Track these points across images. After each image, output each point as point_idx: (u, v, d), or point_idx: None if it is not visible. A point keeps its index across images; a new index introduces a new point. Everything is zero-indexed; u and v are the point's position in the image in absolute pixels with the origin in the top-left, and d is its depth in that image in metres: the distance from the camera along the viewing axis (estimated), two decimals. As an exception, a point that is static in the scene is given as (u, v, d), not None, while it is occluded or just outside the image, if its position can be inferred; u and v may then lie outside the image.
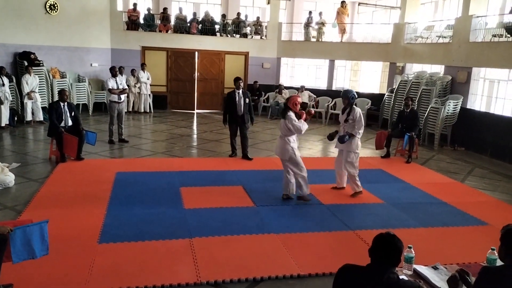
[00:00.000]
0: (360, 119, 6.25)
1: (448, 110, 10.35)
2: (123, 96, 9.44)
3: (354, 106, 6.37)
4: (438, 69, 12.25)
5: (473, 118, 10.23)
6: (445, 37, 11.63)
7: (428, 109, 10.66)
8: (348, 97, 6.31)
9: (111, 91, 9.29)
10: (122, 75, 9.68)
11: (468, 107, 10.56)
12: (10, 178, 6.27)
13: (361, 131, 6.33)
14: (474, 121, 10.16)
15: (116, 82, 9.36)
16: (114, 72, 9.52)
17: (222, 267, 4.13)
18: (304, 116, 5.95)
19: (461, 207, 6.11)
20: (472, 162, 9.15)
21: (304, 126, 5.88)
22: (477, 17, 10.42)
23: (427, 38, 12.40)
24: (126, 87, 9.83)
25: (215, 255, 4.36)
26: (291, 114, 5.86)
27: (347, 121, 6.33)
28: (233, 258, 4.32)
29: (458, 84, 10.85)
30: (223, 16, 15.51)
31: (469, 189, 7.19)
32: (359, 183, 6.38)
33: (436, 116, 10.42)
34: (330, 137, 6.55)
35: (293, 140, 6.02)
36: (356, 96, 6.48)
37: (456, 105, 10.46)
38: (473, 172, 8.34)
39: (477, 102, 10.67)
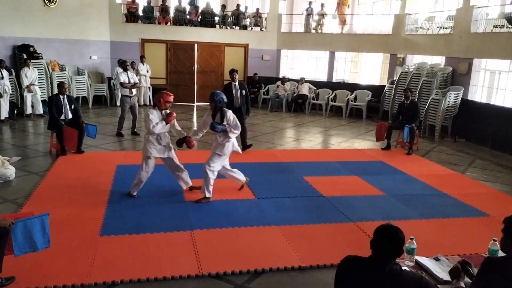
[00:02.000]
0: (236, 123, 5.58)
1: (449, 101, 10.32)
2: (134, 90, 9.52)
3: (224, 109, 5.62)
4: (439, 60, 12.20)
5: (474, 109, 10.20)
6: (446, 28, 11.57)
7: (429, 101, 10.63)
8: (214, 100, 5.58)
9: (123, 85, 9.32)
10: (133, 69, 9.71)
11: (469, 98, 10.53)
12: (10, 172, 6.27)
13: (237, 131, 5.65)
14: (475, 112, 10.14)
15: (128, 76, 9.40)
16: (125, 66, 9.52)
17: (223, 259, 4.13)
18: (170, 118, 5.59)
19: (462, 199, 6.11)
20: (473, 154, 9.14)
21: (157, 128, 5.43)
22: (478, 7, 10.35)
23: (428, 29, 12.34)
24: (137, 81, 9.89)
25: (216, 247, 4.37)
26: (152, 111, 5.53)
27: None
28: (234, 250, 4.33)
29: (459, 75, 10.82)
30: (223, 6, 15.42)
31: (470, 181, 7.19)
32: (211, 188, 5.61)
33: (437, 108, 10.40)
34: (179, 143, 5.79)
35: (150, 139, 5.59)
36: (225, 100, 5.67)
37: (457, 96, 10.43)
38: (474, 164, 8.34)
39: (478, 93, 10.64)
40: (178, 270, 3.88)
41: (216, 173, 5.65)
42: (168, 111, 5.65)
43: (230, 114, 5.61)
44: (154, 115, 5.52)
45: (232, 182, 6.22)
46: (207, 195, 5.60)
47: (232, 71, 8.29)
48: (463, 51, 10.63)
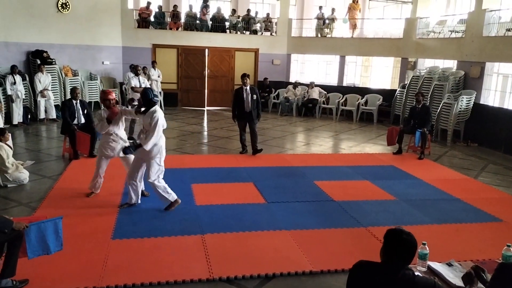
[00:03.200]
0: (155, 126, 5.05)
1: (461, 105, 10.23)
2: None
3: (156, 108, 5.20)
4: (450, 64, 12.11)
5: (486, 113, 10.10)
6: (457, 32, 11.49)
7: (440, 105, 10.55)
8: (146, 93, 5.19)
9: (133, 89, 9.41)
10: (145, 74, 9.82)
11: (481, 102, 10.43)
12: (24, 175, 6.35)
13: (153, 141, 5.08)
14: (487, 116, 10.03)
15: (139, 81, 9.48)
16: (137, 70, 9.61)
17: (234, 263, 4.14)
18: (111, 115, 5.60)
19: (475, 204, 6.04)
20: (486, 158, 9.04)
21: (97, 128, 5.79)
22: (491, 11, 10.26)
23: (440, 33, 12.26)
24: (149, 85, 9.96)
25: (227, 251, 4.37)
26: (99, 112, 5.85)
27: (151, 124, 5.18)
28: (245, 254, 4.33)
29: (471, 79, 10.72)
30: (233, 11, 15.49)
31: (483, 186, 7.11)
32: (169, 191, 5.38)
33: (449, 112, 10.31)
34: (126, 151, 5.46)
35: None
36: (158, 98, 5.38)
37: (469, 100, 10.33)
38: (486, 168, 8.24)
39: (491, 97, 10.53)
40: (189, 274, 3.89)
41: (161, 179, 5.34)
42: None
43: (156, 116, 5.11)
44: (100, 116, 5.76)
45: (242, 188, 6.23)
46: (172, 199, 5.40)
47: (244, 76, 8.30)
48: (475, 54, 10.54)
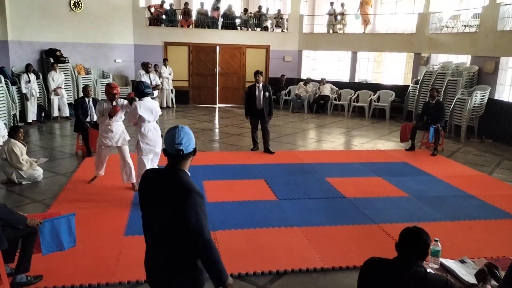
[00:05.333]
0: (132, 111, 5.49)
1: (475, 101, 10.09)
2: (155, 92, 9.66)
3: (145, 98, 5.54)
4: (464, 59, 11.95)
5: (501, 109, 9.95)
6: (471, 26, 11.32)
7: (454, 101, 10.43)
8: (137, 86, 5.61)
9: None
10: (156, 72, 9.90)
11: (496, 97, 10.29)
12: (38, 173, 6.44)
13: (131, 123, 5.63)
14: (502, 112, 9.88)
15: (150, 78, 9.55)
16: (148, 68, 9.67)
17: (245, 259, 4.15)
18: (112, 112, 5.89)
19: (489, 200, 5.97)
20: (500, 154, 8.91)
21: (98, 120, 6.10)
22: (505, 5, 10.09)
23: (453, 27, 12.10)
24: (159, 83, 10.02)
25: (238, 248, 4.38)
26: (101, 103, 6.09)
27: None
28: (256, 251, 4.34)
29: (485, 74, 10.57)
30: (245, 10, 15.47)
31: (497, 182, 7.01)
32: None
33: (462, 108, 10.19)
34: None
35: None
36: (149, 88, 5.66)
37: (483, 96, 10.19)
38: (501, 165, 8.13)
39: (506, 92, 10.38)
40: (200, 270, 3.91)
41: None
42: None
43: (134, 104, 5.49)
44: (101, 107, 6.01)
45: (254, 184, 6.22)
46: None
47: (257, 73, 8.26)
48: (490, 49, 10.38)
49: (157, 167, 5.63)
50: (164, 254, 2.30)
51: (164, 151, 2.35)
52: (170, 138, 2.29)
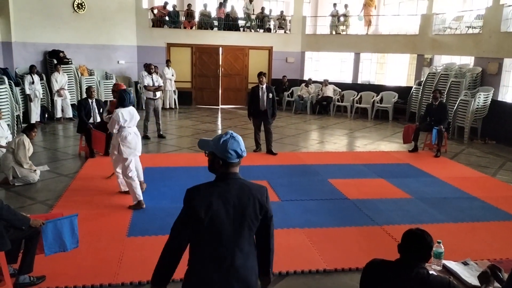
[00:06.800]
0: (114, 118, 5.42)
1: (478, 102, 10.07)
2: (158, 93, 9.66)
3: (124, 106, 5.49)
4: (467, 60, 11.92)
5: (504, 110, 9.92)
6: (475, 28, 11.30)
7: (457, 102, 10.40)
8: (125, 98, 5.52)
9: (146, 87, 9.50)
10: (157, 74, 9.95)
11: (499, 99, 10.26)
12: (33, 176, 6.38)
13: (113, 130, 5.50)
14: (505, 113, 9.85)
15: (152, 79, 9.56)
16: (150, 69, 9.70)
17: (248, 261, 4.14)
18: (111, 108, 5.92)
19: (492, 202, 5.95)
20: (504, 156, 8.88)
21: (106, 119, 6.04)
22: (509, 6, 10.07)
23: (456, 29, 12.07)
24: (162, 84, 10.05)
25: (241, 249, 4.37)
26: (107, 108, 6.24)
27: None
28: (259, 252, 4.33)
29: (488, 75, 10.55)
30: (247, 14, 15.47)
31: (501, 184, 6.99)
32: (138, 191, 5.44)
33: (465, 109, 10.16)
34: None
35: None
36: (129, 96, 5.54)
37: (486, 97, 10.16)
38: (504, 166, 8.10)
39: (509, 94, 10.34)
40: (203, 272, 3.90)
41: (135, 177, 5.48)
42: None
43: (116, 112, 5.44)
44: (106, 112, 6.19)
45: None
46: (140, 198, 5.46)
47: (260, 74, 8.26)
48: (493, 50, 10.35)
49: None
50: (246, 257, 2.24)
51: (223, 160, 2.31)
52: (237, 146, 2.33)
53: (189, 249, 2.26)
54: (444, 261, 2.95)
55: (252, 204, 2.24)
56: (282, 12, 15.81)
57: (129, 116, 5.49)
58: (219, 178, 2.30)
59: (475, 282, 2.65)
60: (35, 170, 6.47)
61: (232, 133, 2.29)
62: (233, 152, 2.27)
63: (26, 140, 6.23)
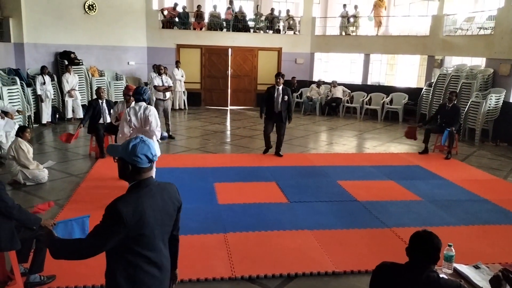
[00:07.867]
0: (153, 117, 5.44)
1: (489, 104, 9.96)
2: (167, 94, 9.69)
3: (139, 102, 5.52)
4: (479, 61, 11.81)
5: (516, 112, 9.81)
6: (486, 29, 11.19)
7: (468, 104, 10.30)
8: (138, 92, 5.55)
9: (156, 88, 9.54)
10: (166, 75, 10.01)
11: (511, 101, 10.14)
12: (43, 175, 6.42)
13: (157, 133, 5.55)
14: (517, 115, 9.74)
15: (162, 80, 9.61)
16: (160, 70, 9.74)
17: (256, 262, 4.14)
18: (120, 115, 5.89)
19: (504, 205, 5.88)
20: (516, 158, 8.79)
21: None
22: (521, 6, 9.97)
23: (467, 30, 11.97)
24: (171, 84, 10.10)
25: (249, 250, 4.38)
26: (118, 105, 6.37)
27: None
28: (267, 254, 4.33)
29: (500, 77, 10.43)
30: (256, 14, 15.49)
31: (513, 186, 6.91)
32: None
33: (477, 111, 10.06)
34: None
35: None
36: (147, 92, 5.59)
37: (498, 99, 10.05)
38: (516, 169, 8.02)
39: (521, 95, 10.23)
40: (211, 272, 3.91)
41: None
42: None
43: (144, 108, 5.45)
44: (116, 108, 6.34)
45: (265, 187, 6.21)
46: None
47: (278, 75, 8.00)
48: (505, 52, 10.24)
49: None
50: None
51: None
52: (147, 150, 2.20)
53: (112, 256, 2.38)
54: (455, 265, 2.92)
55: (172, 203, 2.32)
56: (288, 11, 15.76)
57: (134, 115, 5.43)
58: (137, 185, 2.22)
59: (487, 286, 2.62)
60: (43, 168, 6.52)
61: (142, 137, 2.23)
62: (143, 157, 2.16)
63: (23, 143, 6.22)
